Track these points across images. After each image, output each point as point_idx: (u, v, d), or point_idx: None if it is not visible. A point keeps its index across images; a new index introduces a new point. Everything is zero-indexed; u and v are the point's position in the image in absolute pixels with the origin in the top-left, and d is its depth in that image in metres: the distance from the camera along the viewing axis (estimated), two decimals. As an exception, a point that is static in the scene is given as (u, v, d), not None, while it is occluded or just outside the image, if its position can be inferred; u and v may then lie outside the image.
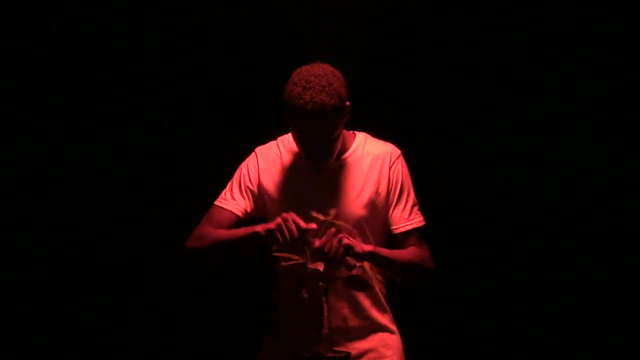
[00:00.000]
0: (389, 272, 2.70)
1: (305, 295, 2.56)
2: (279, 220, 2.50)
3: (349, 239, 2.50)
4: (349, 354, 2.54)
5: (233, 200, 2.72)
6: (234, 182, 2.75)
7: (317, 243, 2.46)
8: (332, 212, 2.52)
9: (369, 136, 2.76)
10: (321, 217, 2.50)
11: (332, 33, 3.70)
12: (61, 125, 3.84)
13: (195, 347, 3.88)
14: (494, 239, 3.79)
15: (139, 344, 3.86)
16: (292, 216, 2.49)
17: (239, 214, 2.71)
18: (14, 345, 3.82)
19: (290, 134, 2.72)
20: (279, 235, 2.48)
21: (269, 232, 2.50)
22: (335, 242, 2.47)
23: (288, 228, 2.47)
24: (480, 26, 3.75)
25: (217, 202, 2.74)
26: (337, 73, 2.57)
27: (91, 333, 3.87)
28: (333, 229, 2.49)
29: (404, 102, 3.77)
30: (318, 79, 2.50)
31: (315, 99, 2.48)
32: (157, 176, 3.85)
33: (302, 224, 2.48)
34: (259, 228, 2.55)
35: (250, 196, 2.73)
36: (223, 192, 2.76)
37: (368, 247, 2.56)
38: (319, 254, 2.47)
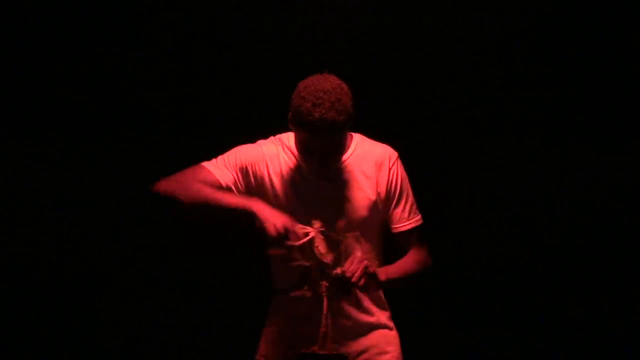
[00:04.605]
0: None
1: (308, 294, 2.57)
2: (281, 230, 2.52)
3: (373, 267, 2.55)
4: (347, 355, 2.58)
5: (225, 169, 2.67)
6: (229, 156, 2.70)
7: (342, 268, 2.50)
8: (317, 224, 2.55)
9: (364, 137, 2.77)
10: (308, 229, 2.52)
11: (328, 35, 3.71)
12: (56, 123, 3.85)
13: (192, 344, 3.89)
14: (492, 239, 3.81)
15: (137, 343, 3.87)
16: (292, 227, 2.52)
17: (223, 184, 2.64)
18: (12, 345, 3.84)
19: (288, 134, 2.73)
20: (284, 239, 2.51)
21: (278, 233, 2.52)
22: (359, 269, 2.51)
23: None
24: (479, 26, 3.76)
25: (206, 164, 2.68)
26: (344, 86, 2.57)
27: (87, 332, 3.88)
28: (359, 254, 2.53)
29: (400, 102, 3.79)
30: (327, 95, 2.50)
31: (325, 116, 2.49)
32: (155, 176, 3.85)
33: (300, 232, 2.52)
34: (256, 208, 2.53)
35: (241, 178, 2.67)
36: (214, 159, 2.70)
37: (382, 276, 2.61)
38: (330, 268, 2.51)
